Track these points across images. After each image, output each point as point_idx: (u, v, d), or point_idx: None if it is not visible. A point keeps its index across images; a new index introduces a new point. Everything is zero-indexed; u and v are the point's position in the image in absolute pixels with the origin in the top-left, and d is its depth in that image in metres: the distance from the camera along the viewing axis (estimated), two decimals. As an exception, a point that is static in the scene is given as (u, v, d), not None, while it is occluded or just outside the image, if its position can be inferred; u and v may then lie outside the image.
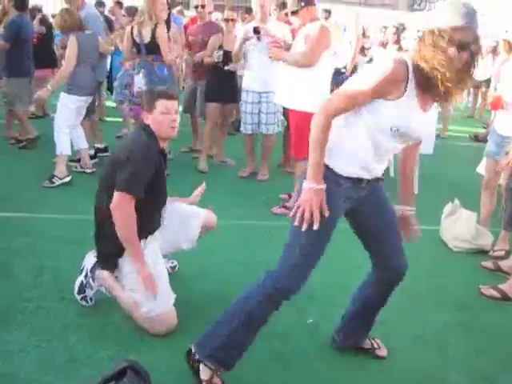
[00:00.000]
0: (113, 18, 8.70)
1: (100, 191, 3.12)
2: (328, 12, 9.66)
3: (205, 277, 3.74)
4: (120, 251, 3.03)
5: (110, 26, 7.92)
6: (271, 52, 4.97)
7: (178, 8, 10.46)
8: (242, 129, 6.21)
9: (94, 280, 3.20)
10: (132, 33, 5.58)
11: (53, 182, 5.36)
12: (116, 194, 2.93)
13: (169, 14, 5.88)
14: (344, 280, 3.64)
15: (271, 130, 6.03)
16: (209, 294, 3.51)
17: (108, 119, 8.43)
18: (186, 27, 7.28)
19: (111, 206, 2.93)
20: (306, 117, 4.72)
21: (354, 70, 8.35)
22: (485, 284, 3.88)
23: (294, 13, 4.95)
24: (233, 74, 6.23)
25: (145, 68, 5.51)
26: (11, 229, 4.28)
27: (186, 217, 3.42)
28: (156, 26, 5.49)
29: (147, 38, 5.49)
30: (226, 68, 6.07)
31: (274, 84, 5.79)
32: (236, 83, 6.36)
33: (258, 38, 5.67)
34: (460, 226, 4.55)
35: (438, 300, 3.72)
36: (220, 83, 6.19)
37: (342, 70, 8.08)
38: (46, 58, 7.67)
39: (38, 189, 5.24)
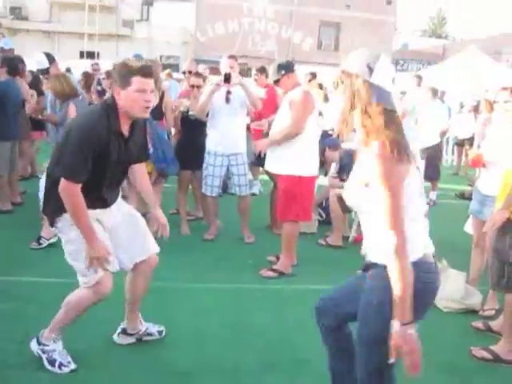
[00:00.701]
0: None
1: (54, 154, 3.09)
2: (312, 74, 9.85)
3: (193, 340, 3.69)
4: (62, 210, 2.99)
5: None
6: (258, 147, 5.08)
7: (167, 71, 10.71)
8: (205, 191, 5.98)
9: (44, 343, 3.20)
10: None
11: (40, 244, 5.32)
12: (61, 179, 2.90)
13: None
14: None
15: (244, 191, 5.98)
16: (197, 357, 3.46)
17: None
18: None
19: (59, 188, 2.90)
20: (294, 180, 4.84)
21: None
22: (476, 345, 3.84)
23: (276, 82, 5.05)
24: (202, 137, 6.00)
25: (155, 135, 5.53)
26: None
27: (142, 235, 3.35)
28: (164, 93, 5.62)
29: (154, 104, 5.56)
30: (190, 114, 5.94)
31: (241, 145, 5.88)
32: (204, 147, 6.04)
33: (227, 99, 5.71)
34: (449, 287, 4.54)
35: (428, 362, 3.66)
36: (190, 148, 6.06)
37: (330, 132, 8.17)
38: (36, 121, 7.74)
39: (24, 251, 5.19)
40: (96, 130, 2.89)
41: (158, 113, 5.60)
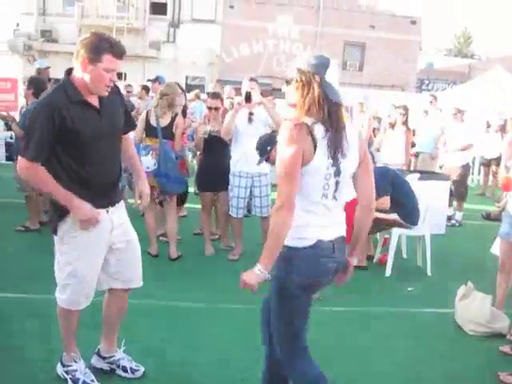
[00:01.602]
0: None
1: None
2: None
3: (217, 362, 3.68)
4: (58, 214, 2.98)
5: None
6: None
7: (195, 92, 10.83)
8: (231, 213, 6.03)
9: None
10: (148, 116, 5.75)
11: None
12: (19, 159, 2.84)
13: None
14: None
15: (266, 212, 5.97)
16: (221, 380, 3.47)
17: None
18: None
19: (17, 167, 2.87)
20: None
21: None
22: (504, 370, 3.76)
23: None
24: (225, 158, 6.04)
25: (162, 151, 5.62)
26: (24, 311, 4.28)
27: (133, 268, 3.29)
28: (176, 114, 5.69)
29: (165, 123, 5.65)
30: (210, 130, 5.94)
31: (265, 166, 5.75)
32: (228, 169, 6.08)
33: (249, 120, 5.75)
34: (474, 310, 4.47)
35: (455, 387, 3.62)
36: (213, 170, 6.08)
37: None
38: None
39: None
40: (50, 105, 2.78)
41: (168, 132, 5.65)
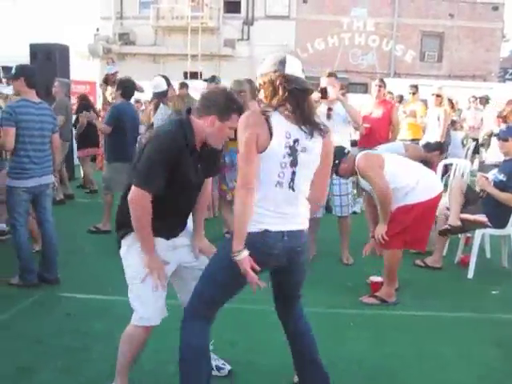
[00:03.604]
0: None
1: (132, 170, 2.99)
2: (415, 87, 9.48)
3: (285, 367, 3.54)
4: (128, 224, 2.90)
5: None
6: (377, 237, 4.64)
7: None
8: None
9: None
10: None
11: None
12: (132, 188, 2.80)
13: None
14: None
15: (346, 211, 5.83)
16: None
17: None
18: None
19: (128, 197, 2.81)
20: (412, 208, 4.56)
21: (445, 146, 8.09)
22: None
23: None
24: None
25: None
26: (95, 312, 4.33)
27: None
28: None
29: None
30: None
31: None
32: None
33: (328, 116, 5.59)
34: None
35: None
36: None
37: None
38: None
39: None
40: (175, 142, 2.83)
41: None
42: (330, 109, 5.62)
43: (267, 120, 2.57)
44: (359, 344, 3.97)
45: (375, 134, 6.73)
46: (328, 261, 5.89)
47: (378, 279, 4.89)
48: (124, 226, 2.95)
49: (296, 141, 2.60)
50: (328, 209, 6.22)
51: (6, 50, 12.95)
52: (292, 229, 2.72)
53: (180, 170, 2.84)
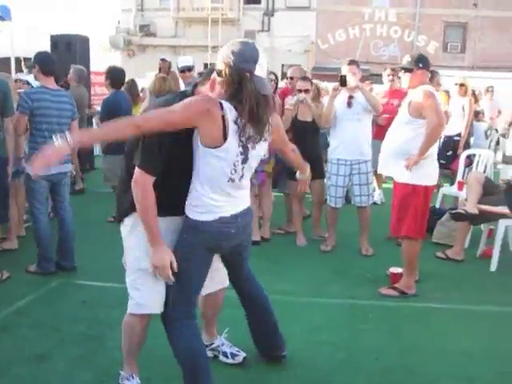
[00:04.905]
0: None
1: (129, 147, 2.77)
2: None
3: (303, 359, 3.51)
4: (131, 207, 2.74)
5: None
6: (409, 165, 4.40)
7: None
8: (329, 202, 5.82)
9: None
10: None
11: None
12: (136, 170, 2.61)
13: None
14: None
15: (366, 201, 5.74)
16: (306, 377, 3.31)
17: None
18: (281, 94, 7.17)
19: (132, 179, 2.63)
20: (408, 189, 4.48)
21: (468, 137, 7.93)
22: None
23: (406, 70, 4.54)
24: (316, 145, 5.92)
25: None
26: (112, 300, 4.30)
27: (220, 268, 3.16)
28: None
29: None
30: (300, 98, 5.74)
31: (366, 153, 5.61)
32: (321, 155, 5.98)
33: (349, 104, 5.52)
34: None
35: None
36: (302, 157, 5.85)
37: (456, 138, 7.67)
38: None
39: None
40: None
41: None
42: (350, 97, 5.54)
43: (223, 114, 2.48)
44: (377, 336, 3.90)
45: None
46: (347, 252, 5.82)
47: (398, 270, 4.80)
48: (124, 207, 2.80)
49: (249, 139, 2.55)
50: (347, 199, 6.14)
51: (28, 42, 13.01)
52: (242, 209, 2.79)
53: (175, 139, 2.57)
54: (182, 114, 2.47)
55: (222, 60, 2.52)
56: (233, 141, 2.51)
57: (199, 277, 2.83)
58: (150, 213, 2.62)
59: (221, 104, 2.49)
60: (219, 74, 2.53)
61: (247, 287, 3.28)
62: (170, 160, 2.61)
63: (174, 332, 2.80)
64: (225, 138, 2.49)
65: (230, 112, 2.48)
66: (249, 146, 2.57)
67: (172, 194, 2.69)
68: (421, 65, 4.47)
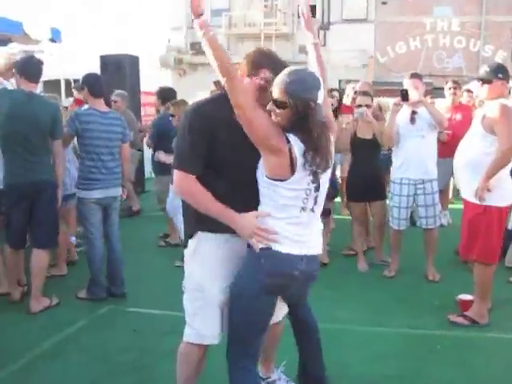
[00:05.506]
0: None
1: None
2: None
3: None
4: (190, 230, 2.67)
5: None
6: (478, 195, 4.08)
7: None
8: (392, 224, 5.52)
9: None
10: None
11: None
12: (175, 175, 2.53)
13: None
14: None
15: (432, 223, 5.39)
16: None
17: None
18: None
19: (174, 185, 2.58)
20: (483, 211, 4.14)
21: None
22: None
23: (484, 81, 4.22)
24: (376, 164, 5.70)
25: None
26: (163, 328, 4.18)
27: None
28: None
29: None
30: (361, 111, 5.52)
31: (432, 172, 5.30)
32: (382, 175, 5.77)
33: (412, 120, 5.23)
34: None
35: None
36: (363, 176, 5.61)
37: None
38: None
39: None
40: (205, 111, 2.56)
41: None
42: (414, 112, 5.26)
43: (290, 150, 2.35)
44: (446, 369, 3.63)
45: (457, 141, 6.23)
46: (412, 277, 5.50)
47: (468, 297, 4.48)
48: (190, 225, 2.70)
49: (318, 167, 2.42)
50: (412, 221, 5.83)
51: (77, 64, 13.28)
52: (309, 253, 2.56)
53: (220, 138, 2.50)
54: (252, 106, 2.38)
55: (282, 90, 2.35)
56: (301, 172, 2.39)
57: (257, 320, 2.63)
58: (209, 204, 2.50)
59: (286, 137, 2.37)
60: (279, 105, 2.36)
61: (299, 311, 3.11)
62: (221, 157, 2.52)
63: (239, 379, 2.62)
64: (292, 171, 2.38)
65: (296, 144, 2.36)
66: (319, 173, 2.44)
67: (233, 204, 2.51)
68: (500, 75, 4.16)
